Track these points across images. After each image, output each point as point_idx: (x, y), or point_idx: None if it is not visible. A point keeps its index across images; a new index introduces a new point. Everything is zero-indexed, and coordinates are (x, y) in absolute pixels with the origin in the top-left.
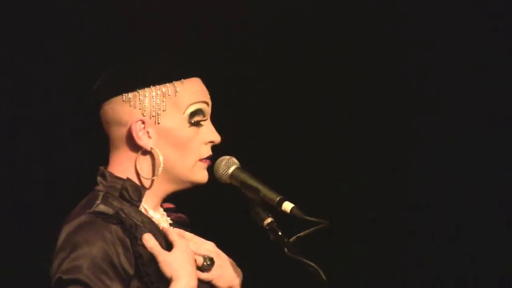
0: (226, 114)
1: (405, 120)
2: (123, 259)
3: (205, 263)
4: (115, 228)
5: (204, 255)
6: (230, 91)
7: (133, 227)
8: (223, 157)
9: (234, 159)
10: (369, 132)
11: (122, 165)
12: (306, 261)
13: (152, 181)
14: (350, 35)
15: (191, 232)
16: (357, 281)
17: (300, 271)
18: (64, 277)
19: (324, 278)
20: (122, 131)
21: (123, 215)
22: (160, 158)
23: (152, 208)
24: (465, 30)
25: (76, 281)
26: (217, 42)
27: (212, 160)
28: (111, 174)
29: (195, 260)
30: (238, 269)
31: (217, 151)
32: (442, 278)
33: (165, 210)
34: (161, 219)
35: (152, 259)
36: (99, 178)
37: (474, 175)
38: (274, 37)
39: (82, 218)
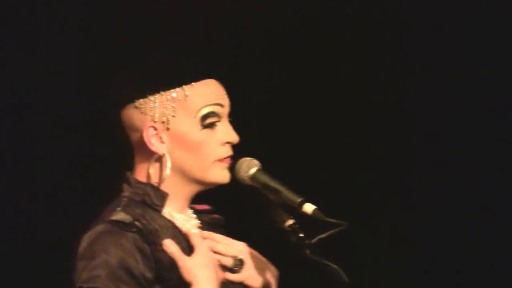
0: (246, 114)
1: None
2: (141, 266)
3: (234, 264)
4: (133, 235)
5: (234, 256)
6: (249, 92)
7: (153, 233)
8: (244, 159)
9: (255, 161)
10: (389, 133)
11: (144, 170)
12: (328, 262)
13: (175, 184)
14: (360, 33)
15: (227, 233)
16: (377, 283)
17: (320, 273)
18: (84, 286)
19: (346, 279)
20: (139, 137)
21: (143, 221)
22: (168, 164)
23: (177, 211)
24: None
25: None
26: (233, 42)
27: (234, 161)
28: (135, 180)
29: (220, 262)
30: (273, 269)
31: (238, 152)
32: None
33: (199, 211)
34: (186, 222)
35: (174, 264)
36: (124, 184)
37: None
38: (289, 36)
39: (101, 227)
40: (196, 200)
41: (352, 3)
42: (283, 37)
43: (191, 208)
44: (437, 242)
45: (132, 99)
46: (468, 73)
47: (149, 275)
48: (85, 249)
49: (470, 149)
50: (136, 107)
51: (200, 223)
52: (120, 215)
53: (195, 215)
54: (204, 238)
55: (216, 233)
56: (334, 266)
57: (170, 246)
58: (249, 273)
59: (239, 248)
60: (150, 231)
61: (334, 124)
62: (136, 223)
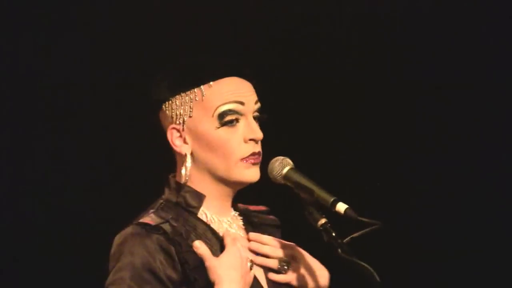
0: (278, 114)
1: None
2: (165, 266)
3: (280, 266)
4: (158, 237)
5: (280, 258)
6: (280, 92)
7: (184, 234)
8: (277, 158)
9: (288, 160)
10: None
11: (180, 171)
12: (360, 262)
13: (208, 184)
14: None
15: (282, 234)
16: (409, 282)
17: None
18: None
19: (378, 279)
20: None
21: (174, 224)
22: (188, 164)
23: (216, 212)
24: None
25: None
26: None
27: (266, 160)
28: (175, 182)
29: (265, 264)
30: (324, 270)
31: (271, 152)
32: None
33: (253, 212)
34: (225, 224)
35: (201, 265)
36: (166, 187)
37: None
38: (307, 32)
39: (128, 229)
40: (250, 200)
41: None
42: (300, 34)
43: (238, 208)
44: (467, 244)
45: (158, 103)
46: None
47: (174, 275)
48: (114, 251)
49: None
50: (164, 110)
51: (243, 224)
52: (148, 218)
53: (241, 217)
54: (250, 240)
55: (269, 234)
56: (366, 265)
57: (199, 247)
58: (296, 275)
59: (287, 250)
60: (180, 233)
61: (370, 125)
62: (163, 225)
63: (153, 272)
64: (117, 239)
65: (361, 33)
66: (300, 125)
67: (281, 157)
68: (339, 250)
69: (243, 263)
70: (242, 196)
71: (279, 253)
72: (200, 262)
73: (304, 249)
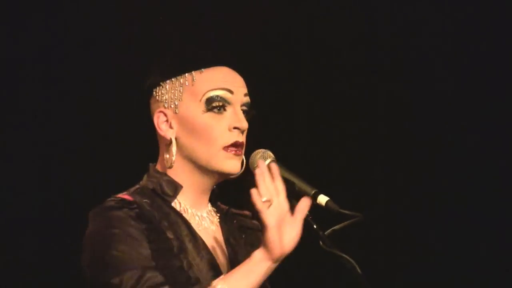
0: (260, 107)
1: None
2: (139, 236)
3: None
4: (130, 211)
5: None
6: (264, 83)
7: (156, 217)
8: (258, 150)
9: (270, 152)
10: (398, 125)
11: (161, 159)
12: (341, 254)
13: (187, 174)
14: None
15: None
16: (392, 274)
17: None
18: (96, 254)
19: (359, 271)
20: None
21: (147, 208)
22: (173, 148)
23: (190, 204)
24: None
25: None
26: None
27: (248, 153)
28: (154, 169)
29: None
30: (292, 240)
31: (253, 146)
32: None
33: (235, 214)
34: (196, 216)
35: (166, 250)
36: (145, 174)
37: None
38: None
39: (103, 204)
40: (232, 194)
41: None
42: (295, 28)
43: (219, 207)
44: (453, 236)
45: (150, 88)
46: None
47: (145, 241)
48: (90, 227)
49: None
50: (153, 95)
51: (219, 222)
52: (122, 195)
53: (218, 214)
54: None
55: (249, 236)
56: (348, 257)
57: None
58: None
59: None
60: (153, 215)
61: (345, 115)
62: (136, 203)
63: (134, 239)
64: (93, 214)
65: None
66: (282, 118)
67: (263, 150)
68: (321, 242)
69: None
70: (225, 192)
71: (269, 195)
72: (164, 246)
73: None
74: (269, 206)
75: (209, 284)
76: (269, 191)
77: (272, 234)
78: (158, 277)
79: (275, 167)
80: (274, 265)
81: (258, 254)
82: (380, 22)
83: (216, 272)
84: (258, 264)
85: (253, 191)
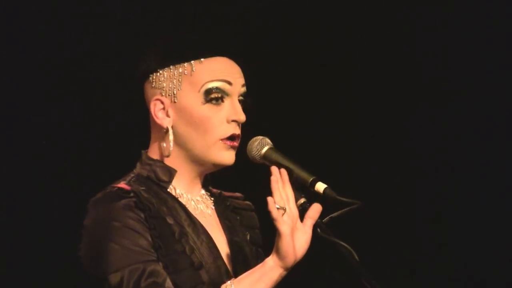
0: (258, 94)
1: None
2: (139, 226)
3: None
4: (129, 201)
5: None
6: (264, 72)
7: (154, 204)
8: (256, 137)
9: (267, 139)
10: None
11: (156, 147)
12: (339, 241)
13: (181, 162)
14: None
15: (257, 217)
16: (389, 262)
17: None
18: (95, 246)
19: (357, 258)
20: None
21: (144, 195)
22: (170, 137)
23: (184, 189)
24: None
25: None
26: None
27: (245, 141)
28: (147, 157)
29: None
30: (302, 250)
31: (250, 131)
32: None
33: (227, 197)
34: (192, 201)
35: (168, 235)
36: (138, 162)
37: None
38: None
39: (101, 194)
40: (228, 182)
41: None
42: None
43: (211, 191)
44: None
45: (146, 75)
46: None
47: (146, 231)
48: (88, 218)
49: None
50: (149, 82)
51: (213, 205)
52: (120, 185)
53: (212, 198)
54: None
55: (243, 217)
56: (345, 245)
57: (273, 208)
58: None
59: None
60: (151, 202)
61: (342, 103)
62: (134, 192)
63: (134, 231)
64: (92, 206)
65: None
66: (280, 104)
67: (260, 137)
68: (318, 229)
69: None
70: (220, 179)
71: (283, 203)
72: (166, 232)
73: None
74: (283, 214)
75: (222, 282)
76: (282, 198)
77: (286, 242)
78: (159, 272)
79: (284, 172)
80: (285, 272)
81: (271, 261)
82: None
83: (216, 255)
84: (271, 271)
85: (270, 199)
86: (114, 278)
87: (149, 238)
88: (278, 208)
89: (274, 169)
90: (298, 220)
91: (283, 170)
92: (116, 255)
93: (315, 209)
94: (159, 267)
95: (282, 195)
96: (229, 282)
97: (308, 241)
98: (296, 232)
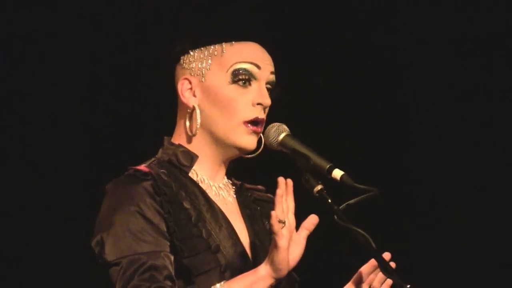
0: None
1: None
2: (155, 213)
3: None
4: (147, 184)
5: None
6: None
7: (173, 187)
8: (273, 124)
9: (284, 126)
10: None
11: (178, 131)
12: (356, 228)
13: (204, 146)
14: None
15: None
16: (406, 249)
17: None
18: (106, 229)
19: (374, 245)
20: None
21: (164, 178)
22: (198, 116)
23: (207, 175)
24: None
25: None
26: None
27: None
28: (169, 141)
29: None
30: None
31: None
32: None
33: (249, 189)
34: (214, 187)
35: (183, 219)
36: (160, 148)
37: None
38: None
39: (121, 179)
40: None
41: None
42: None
43: (233, 181)
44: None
45: (178, 54)
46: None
47: (162, 222)
48: (105, 201)
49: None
50: (180, 64)
51: (234, 194)
52: (139, 167)
53: (233, 187)
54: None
55: (263, 208)
56: (362, 232)
57: (275, 223)
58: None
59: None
60: (170, 185)
61: (359, 91)
62: (154, 174)
63: (145, 219)
64: (109, 187)
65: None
66: (298, 91)
67: (277, 124)
68: (335, 216)
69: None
70: (240, 165)
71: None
72: (181, 217)
73: (301, 215)
74: (283, 227)
75: (241, 266)
76: (284, 211)
77: (283, 257)
78: (160, 267)
79: (290, 182)
80: (275, 282)
81: (263, 270)
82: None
83: (235, 240)
84: (262, 280)
85: (273, 213)
86: (114, 265)
87: (161, 226)
88: (279, 221)
89: (281, 180)
90: (294, 231)
91: (289, 181)
92: (122, 241)
93: (311, 221)
94: (163, 261)
95: (284, 208)
96: (218, 285)
97: (301, 252)
98: (291, 244)
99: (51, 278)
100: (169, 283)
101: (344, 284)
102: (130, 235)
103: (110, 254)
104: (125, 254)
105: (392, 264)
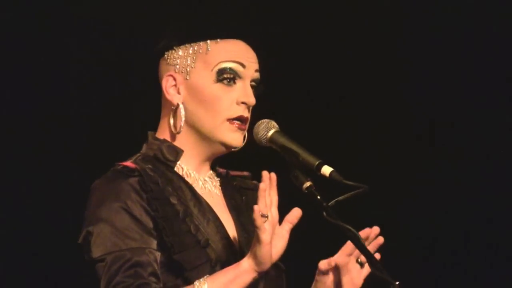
0: (267, 78)
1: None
2: (141, 210)
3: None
4: (133, 181)
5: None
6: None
7: (159, 183)
8: (262, 120)
9: (274, 123)
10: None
11: (164, 126)
12: (345, 225)
13: (190, 142)
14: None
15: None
16: (395, 245)
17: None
18: (92, 225)
19: (362, 242)
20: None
21: (150, 173)
22: (182, 113)
23: (193, 169)
24: None
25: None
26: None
27: (251, 124)
28: (153, 136)
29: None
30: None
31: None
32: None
33: (234, 177)
34: (200, 180)
35: (170, 215)
36: (144, 144)
37: None
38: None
39: (107, 175)
40: (235, 165)
41: None
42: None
43: (218, 171)
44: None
45: (161, 51)
46: None
47: (148, 219)
48: (92, 197)
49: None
50: (164, 59)
51: (220, 185)
52: (126, 163)
53: (218, 178)
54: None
55: (248, 197)
56: (351, 228)
57: (257, 217)
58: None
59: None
60: (156, 181)
61: (349, 87)
62: (140, 171)
63: (132, 216)
64: (96, 184)
65: None
66: (286, 88)
67: (267, 120)
68: (324, 213)
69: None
70: (228, 162)
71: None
72: (169, 213)
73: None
74: (265, 221)
75: (230, 260)
76: (267, 205)
77: (266, 251)
78: (145, 263)
79: (274, 176)
80: (258, 276)
81: (246, 264)
82: None
83: (222, 234)
84: (245, 274)
85: (256, 207)
86: (99, 261)
87: (148, 223)
88: (262, 216)
89: (264, 174)
90: (277, 225)
91: (273, 174)
92: (107, 238)
93: (294, 214)
94: (148, 257)
95: (267, 202)
96: (202, 279)
97: (284, 246)
98: (274, 238)
99: (48, 274)
100: (153, 279)
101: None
102: (116, 231)
103: (95, 250)
104: (110, 251)
105: (377, 256)
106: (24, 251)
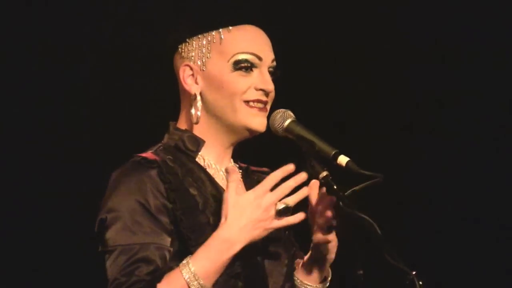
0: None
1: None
2: (158, 203)
3: (280, 208)
4: (152, 172)
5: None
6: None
7: (179, 174)
8: (278, 110)
9: (290, 112)
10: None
11: (184, 117)
12: (361, 214)
13: (211, 130)
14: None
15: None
16: (411, 235)
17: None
18: (106, 215)
19: (379, 232)
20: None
21: (170, 164)
22: (198, 103)
23: (214, 159)
24: None
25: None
26: None
27: (269, 113)
28: (174, 127)
29: (282, 206)
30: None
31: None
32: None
33: (254, 171)
34: (221, 172)
35: (189, 207)
36: (166, 134)
37: None
38: None
39: (126, 166)
40: (253, 154)
41: None
42: None
43: (239, 164)
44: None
45: (174, 44)
46: None
47: (164, 211)
48: (110, 187)
49: None
50: (178, 53)
51: (241, 177)
52: (145, 154)
53: (240, 170)
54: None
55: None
56: (368, 218)
57: (231, 173)
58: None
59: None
60: (175, 173)
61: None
62: (159, 162)
63: (147, 210)
64: (114, 174)
65: None
66: (303, 77)
67: (283, 110)
68: (340, 202)
69: (255, 211)
70: (245, 152)
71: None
72: (188, 204)
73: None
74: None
75: (249, 251)
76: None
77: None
78: (152, 259)
79: (291, 170)
80: (248, 242)
81: (222, 232)
82: None
83: None
84: (226, 242)
85: (231, 166)
86: (108, 252)
87: (163, 218)
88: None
89: (287, 167)
90: (241, 183)
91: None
92: (119, 231)
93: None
94: (155, 253)
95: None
96: (184, 261)
97: (260, 228)
98: (250, 212)
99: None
100: (148, 278)
101: None
102: (128, 225)
103: (106, 241)
104: (119, 243)
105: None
106: (24, 251)
